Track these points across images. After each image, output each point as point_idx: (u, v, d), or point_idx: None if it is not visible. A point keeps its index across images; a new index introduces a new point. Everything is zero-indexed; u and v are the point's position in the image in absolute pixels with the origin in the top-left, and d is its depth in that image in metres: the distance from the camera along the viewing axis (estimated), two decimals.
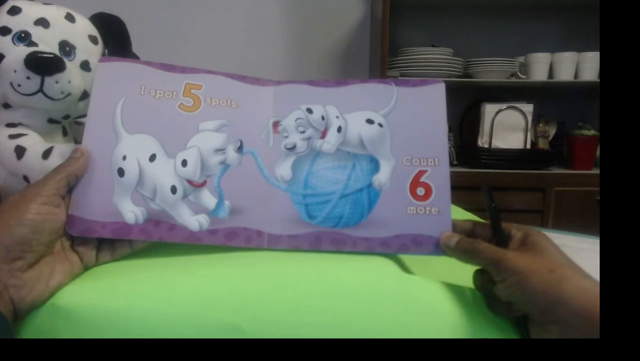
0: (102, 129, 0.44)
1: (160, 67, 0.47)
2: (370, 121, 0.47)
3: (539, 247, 0.37)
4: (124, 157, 0.43)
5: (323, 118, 0.47)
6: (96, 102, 0.45)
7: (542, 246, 0.37)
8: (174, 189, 0.43)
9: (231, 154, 0.45)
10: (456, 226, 0.44)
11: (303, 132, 0.47)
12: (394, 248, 0.44)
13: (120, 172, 0.43)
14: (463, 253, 0.41)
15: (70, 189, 0.42)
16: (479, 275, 0.40)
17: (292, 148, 0.46)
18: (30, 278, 0.36)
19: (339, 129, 0.47)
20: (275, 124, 0.47)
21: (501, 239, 0.40)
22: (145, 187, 0.43)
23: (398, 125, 0.47)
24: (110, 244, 0.43)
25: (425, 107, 0.47)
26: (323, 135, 0.47)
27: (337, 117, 0.47)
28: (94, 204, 0.42)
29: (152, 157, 0.44)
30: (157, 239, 0.42)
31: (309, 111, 0.47)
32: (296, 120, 0.47)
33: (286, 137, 0.47)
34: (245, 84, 0.49)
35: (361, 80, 0.49)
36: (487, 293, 0.39)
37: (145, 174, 0.43)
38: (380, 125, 0.47)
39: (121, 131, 0.44)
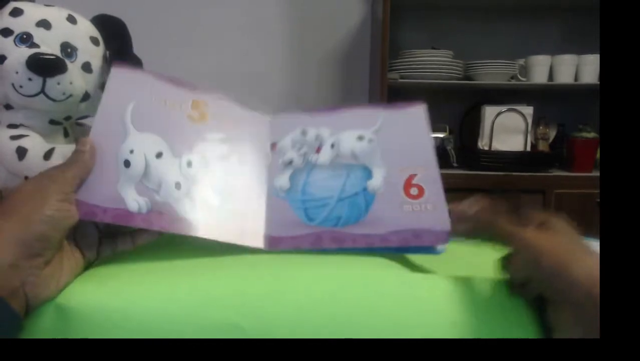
0: (111, 123, 0.45)
1: (170, 81, 0.49)
2: (360, 138, 0.51)
3: (556, 228, 0.38)
4: (132, 151, 0.44)
5: (317, 138, 0.51)
6: (107, 103, 0.45)
7: (560, 227, 0.38)
8: (178, 186, 0.44)
9: (234, 163, 0.47)
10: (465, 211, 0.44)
11: (299, 149, 0.50)
12: (394, 242, 0.44)
13: (127, 163, 0.43)
14: (480, 222, 0.41)
15: None
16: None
17: (290, 163, 0.50)
18: (46, 275, 0.36)
19: (332, 145, 0.50)
20: (273, 145, 0.51)
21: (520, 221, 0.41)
22: (151, 180, 0.43)
23: (386, 141, 0.50)
24: (112, 238, 0.43)
25: (409, 125, 0.52)
26: (317, 151, 0.50)
27: (330, 135, 0.51)
28: (97, 189, 0.41)
29: (159, 155, 0.44)
30: (159, 229, 0.42)
31: (304, 132, 0.51)
32: (292, 140, 0.51)
33: (283, 155, 0.50)
34: (245, 110, 0.53)
35: (351, 106, 0.54)
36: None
37: (151, 169, 0.44)
38: (370, 140, 0.50)
39: (130, 128, 0.45)
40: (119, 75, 0.47)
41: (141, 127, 0.45)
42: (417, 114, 0.52)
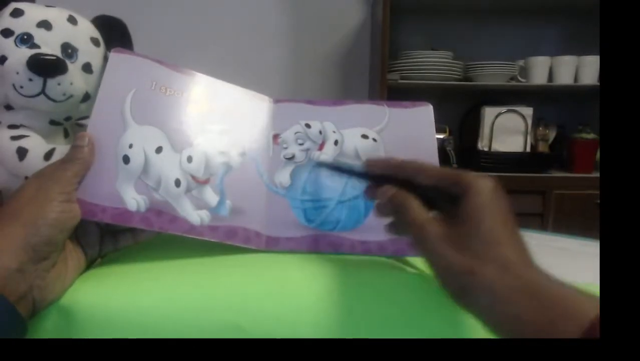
0: (110, 115, 0.44)
1: (171, 67, 0.48)
2: (365, 136, 0.50)
3: (474, 221, 0.32)
4: (130, 146, 0.43)
5: (320, 132, 0.50)
6: (106, 89, 0.45)
7: (478, 220, 0.32)
8: (177, 182, 0.43)
9: (234, 158, 0.46)
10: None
11: (302, 144, 0.49)
12: (391, 251, 0.44)
13: (126, 159, 0.43)
14: (395, 207, 0.37)
15: None
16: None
17: (291, 158, 0.49)
18: (52, 278, 0.36)
19: (336, 143, 0.50)
20: (275, 137, 0.50)
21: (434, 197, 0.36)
22: (150, 177, 0.43)
23: (391, 141, 0.50)
24: (113, 235, 0.43)
25: (415, 125, 0.51)
26: (320, 147, 0.49)
27: (334, 132, 0.50)
28: (96, 187, 0.41)
29: (159, 150, 0.44)
30: (158, 229, 0.42)
31: (307, 126, 0.50)
32: (295, 133, 0.50)
33: (285, 148, 0.49)
34: (248, 96, 0.51)
35: (356, 101, 0.52)
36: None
37: (151, 165, 0.43)
38: (374, 140, 0.50)
39: (129, 120, 0.44)
40: (119, 60, 0.47)
41: (141, 118, 0.44)
42: (424, 115, 0.51)
